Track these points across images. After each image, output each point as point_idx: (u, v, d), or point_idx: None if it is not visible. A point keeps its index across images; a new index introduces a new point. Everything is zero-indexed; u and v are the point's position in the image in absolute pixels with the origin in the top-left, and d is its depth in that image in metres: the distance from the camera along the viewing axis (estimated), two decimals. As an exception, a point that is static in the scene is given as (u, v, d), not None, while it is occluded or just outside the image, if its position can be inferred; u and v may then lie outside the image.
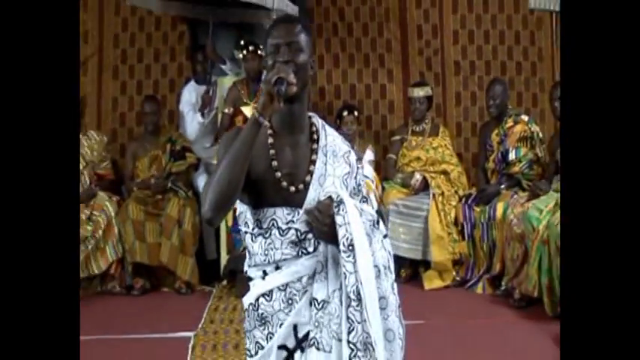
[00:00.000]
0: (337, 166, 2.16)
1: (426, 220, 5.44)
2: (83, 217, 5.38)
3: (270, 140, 2.12)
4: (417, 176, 5.62)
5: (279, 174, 2.10)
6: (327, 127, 2.23)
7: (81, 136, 5.71)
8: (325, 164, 2.14)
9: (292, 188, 2.10)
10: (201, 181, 5.78)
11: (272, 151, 2.11)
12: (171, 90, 6.53)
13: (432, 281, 5.32)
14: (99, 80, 6.52)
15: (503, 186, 5.43)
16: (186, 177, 5.79)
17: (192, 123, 5.98)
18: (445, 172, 5.76)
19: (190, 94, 6.08)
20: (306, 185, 2.10)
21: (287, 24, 2.18)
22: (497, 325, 4.38)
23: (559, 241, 4.18)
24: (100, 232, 5.40)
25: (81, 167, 5.62)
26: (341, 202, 2.04)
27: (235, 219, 4.89)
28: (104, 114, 6.51)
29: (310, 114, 2.22)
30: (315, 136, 2.18)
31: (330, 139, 2.19)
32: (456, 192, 5.66)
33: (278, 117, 2.13)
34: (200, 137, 5.94)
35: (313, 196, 2.09)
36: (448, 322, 4.34)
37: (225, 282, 5.38)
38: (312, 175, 2.12)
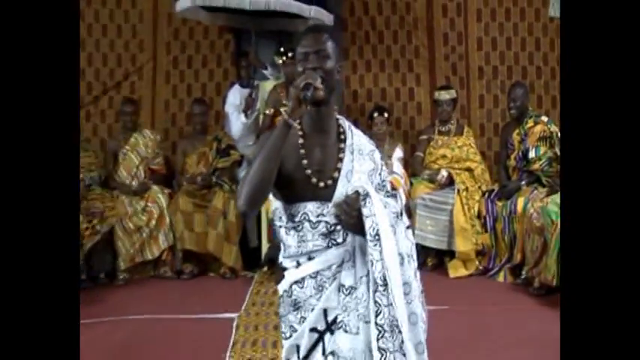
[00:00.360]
0: (363, 163, 2.16)
1: (451, 213, 5.40)
2: (138, 207, 5.48)
3: (301, 141, 2.13)
4: (443, 172, 5.58)
5: (309, 171, 2.10)
6: (354, 128, 2.24)
7: (137, 134, 5.80)
8: (352, 161, 2.14)
9: (321, 184, 2.10)
10: (245, 177, 5.82)
11: (302, 151, 2.11)
12: (217, 93, 6.56)
13: (456, 270, 5.28)
14: (153, 84, 6.57)
15: (523, 182, 5.37)
16: (231, 172, 5.81)
17: (237, 123, 6.01)
18: (469, 169, 5.71)
19: (235, 96, 6.11)
20: (335, 181, 2.11)
21: (315, 33, 2.18)
22: (517, 311, 4.33)
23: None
24: (154, 221, 5.46)
25: (137, 162, 5.71)
26: (367, 195, 2.02)
27: (275, 211, 4.94)
28: (157, 114, 6.56)
29: (338, 116, 2.23)
30: (343, 136, 2.18)
31: (357, 138, 2.20)
32: (479, 187, 5.61)
33: (308, 119, 2.14)
34: (243, 136, 5.97)
35: (341, 190, 2.08)
36: (471, 307, 4.32)
37: (265, 268, 5.38)
38: (339, 172, 2.11)
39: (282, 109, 5.64)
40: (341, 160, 2.13)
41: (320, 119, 2.14)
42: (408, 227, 2.13)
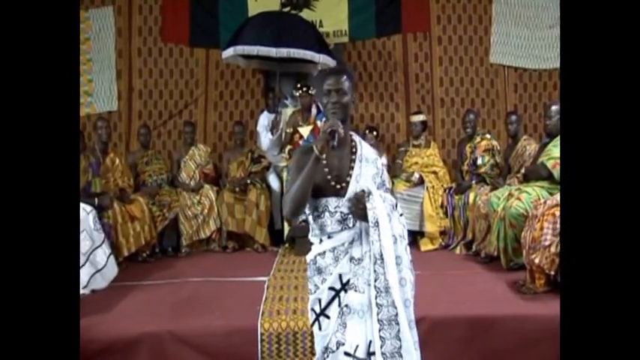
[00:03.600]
0: (368, 168, 2.17)
1: (422, 204, 5.41)
2: (195, 200, 5.48)
3: (324, 155, 2.11)
4: (416, 175, 5.58)
5: (329, 177, 2.12)
6: (363, 142, 2.24)
7: (194, 147, 5.80)
8: (360, 168, 2.14)
9: (338, 186, 2.12)
10: (272, 178, 5.82)
11: (325, 162, 2.11)
12: (251, 117, 6.54)
13: (426, 245, 5.28)
14: (205, 111, 6.58)
15: (473, 182, 5.36)
16: (262, 175, 5.80)
17: (265, 139, 6.01)
18: (434, 172, 5.72)
19: (264, 119, 6.12)
20: (348, 183, 2.12)
21: (336, 75, 2.16)
22: (470, 274, 4.33)
23: (511, 219, 4.16)
24: (206, 210, 5.46)
25: (194, 168, 5.72)
26: (370, 193, 2.05)
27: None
28: (208, 133, 6.57)
29: (351, 133, 2.22)
30: (354, 149, 2.19)
31: (365, 150, 2.20)
32: (442, 185, 5.61)
33: None
34: (270, 148, 5.96)
35: (352, 189, 2.10)
36: (437, 272, 4.31)
37: (287, 245, 5.38)
38: (351, 176, 2.13)
39: (299, 128, 5.66)
40: (352, 167, 2.14)
41: (339, 143, 2.11)
42: (400, 215, 2.15)
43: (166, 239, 5.42)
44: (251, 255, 5.34)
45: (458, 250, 5.13)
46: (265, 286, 3.99)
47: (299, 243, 5.07)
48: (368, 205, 2.03)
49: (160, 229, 5.28)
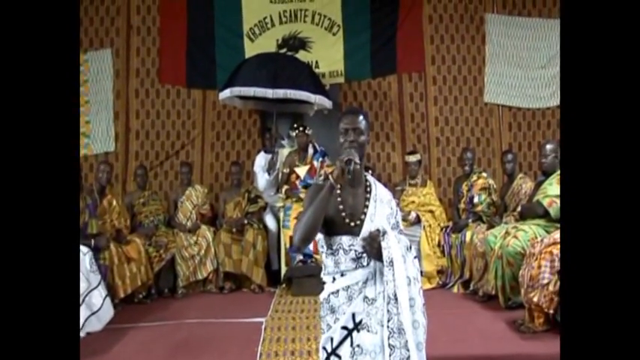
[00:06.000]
0: (383, 208, 2.21)
1: (419, 243, 5.44)
2: (192, 241, 5.52)
3: (339, 191, 2.19)
4: (413, 214, 5.66)
5: (344, 214, 2.17)
6: (377, 183, 2.30)
7: (190, 188, 5.87)
8: (375, 207, 2.19)
9: (352, 223, 2.17)
10: (269, 218, 5.86)
11: (339, 199, 2.18)
12: (248, 157, 6.63)
13: (423, 284, 5.22)
14: (202, 152, 6.66)
15: (470, 220, 5.45)
16: (259, 215, 5.84)
17: (262, 179, 6.09)
18: (431, 211, 5.79)
19: (261, 160, 6.20)
20: (362, 221, 2.17)
21: (353, 114, 2.24)
22: (468, 313, 4.37)
23: (508, 257, 4.22)
24: (203, 251, 5.49)
25: (190, 208, 5.77)
26: (385, 233, 2.09)
27: (292, 243, 4.96)
28: (205, 173, 6.63)
29: (366, 174, 2.29)
30: (369, 189, 2.24)
31: (379, 190, 2.26)
32: (438, 224, 5.68)
33: None
34: (267, 189, 6.03)
35: (367, 228, 2.14)
36: (435, 311, 4.27)
37: (284, 285, 5.39)
38: (365, 215, 2.17)
39: (296, 169, 5.74)
40: (367, 206, 2.19)
41: (354, 177, 2.17)
42: (415, 257, 2.18)
43: (163, 280, 5.44)
44: (248, 296, 5.35)
45: (455, 289, 5.17)
46: (263, 327, 4.01)
47: (296, 283, 5.10)
48: (383, 245, 2.06)
49: (157, 270, 5.32)
